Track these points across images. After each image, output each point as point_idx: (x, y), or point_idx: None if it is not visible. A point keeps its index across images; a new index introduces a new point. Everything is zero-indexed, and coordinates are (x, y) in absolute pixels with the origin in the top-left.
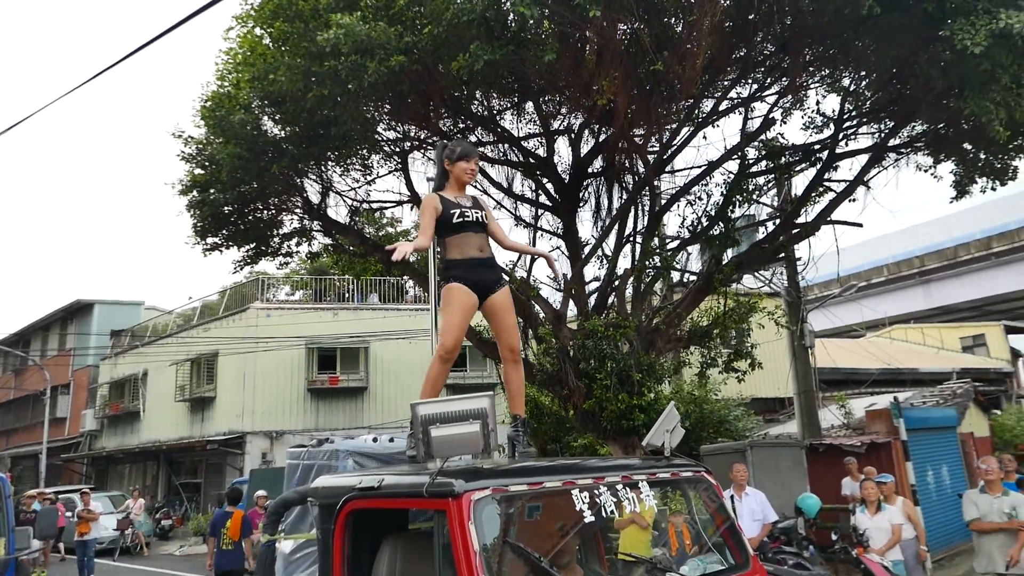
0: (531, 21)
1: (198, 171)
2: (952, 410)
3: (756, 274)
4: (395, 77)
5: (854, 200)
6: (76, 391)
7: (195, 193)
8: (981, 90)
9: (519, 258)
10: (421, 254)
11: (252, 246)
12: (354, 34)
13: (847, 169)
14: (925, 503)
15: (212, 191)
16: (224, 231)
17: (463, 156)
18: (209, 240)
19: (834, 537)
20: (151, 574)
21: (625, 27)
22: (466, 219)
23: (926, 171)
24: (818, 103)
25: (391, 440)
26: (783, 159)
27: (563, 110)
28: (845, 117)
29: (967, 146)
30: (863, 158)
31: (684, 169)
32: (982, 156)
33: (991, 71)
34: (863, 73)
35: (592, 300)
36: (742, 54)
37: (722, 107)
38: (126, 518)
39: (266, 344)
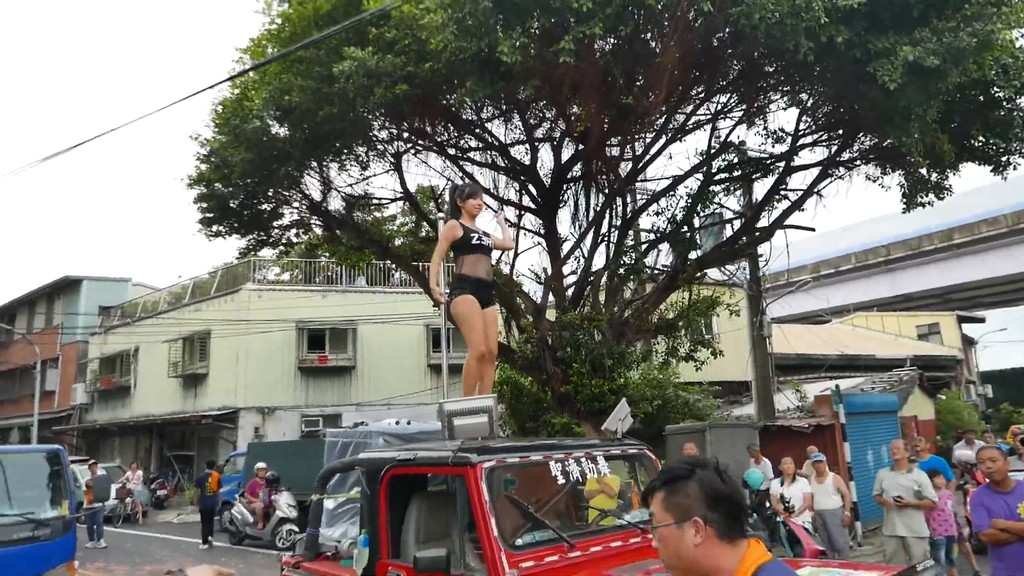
0: (516, 69)
1: (206, 167)
2: (894, 396)
3: (721, 268)
4: (398, 100)
5: (803, 210)
6: (64, 365)
7: (203, 187)
8: (901, 125)
9: (501, 253)
10: (405, 240)
11: (254, 235)
12: (365, 66)
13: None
14: (861, 479)
15: (219, 185)
16: (228, 221)
17: (471, 195)
18: (214, 228)
19: (767, 505)
20: (155, 539)
21: (600, 54)
22: (482, 243)
23: (874, 181)
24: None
25: (408, 423)
26: (743, 171)
27: (547, 116)
28: (801, 132)
29: (911, 159)
30: (816, 170)
31: (655, 179)
32: (922, 172)
33: (908, 108)
34: (819, 89)
35: (569, 294)
36: (708, 75)
37: (690, 124)
38: (124, 487)
39: (257, 324)
